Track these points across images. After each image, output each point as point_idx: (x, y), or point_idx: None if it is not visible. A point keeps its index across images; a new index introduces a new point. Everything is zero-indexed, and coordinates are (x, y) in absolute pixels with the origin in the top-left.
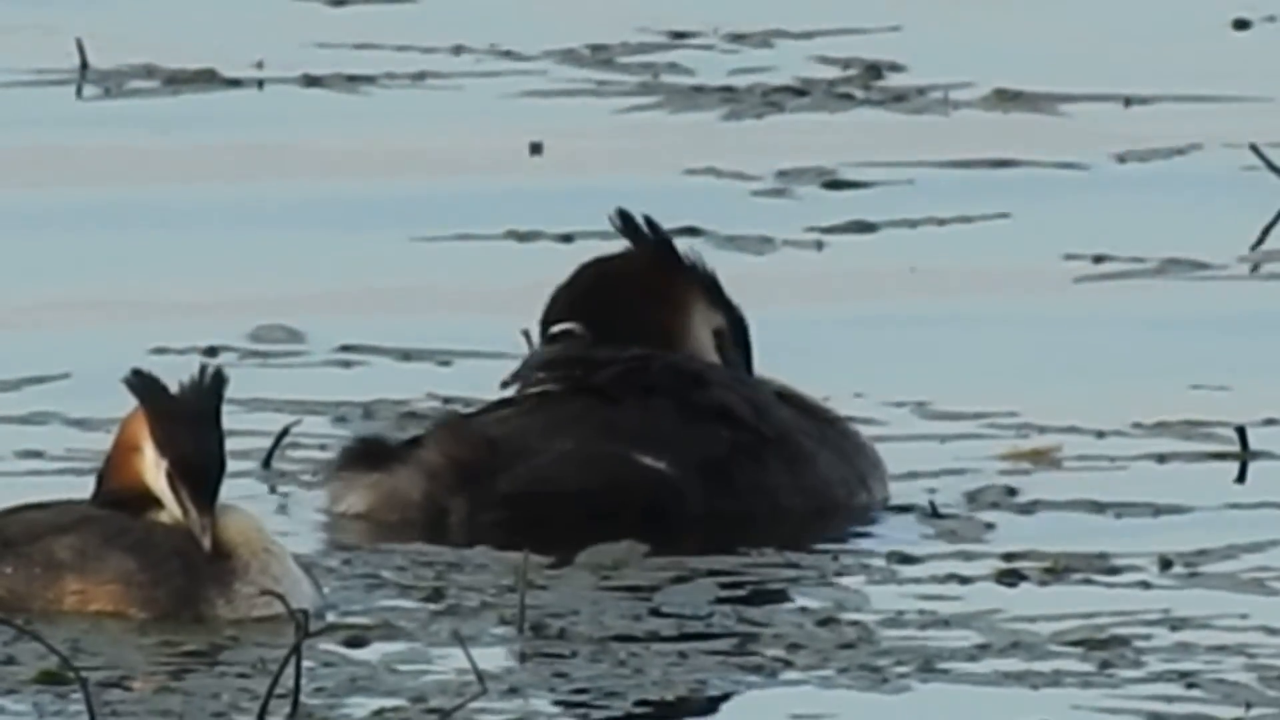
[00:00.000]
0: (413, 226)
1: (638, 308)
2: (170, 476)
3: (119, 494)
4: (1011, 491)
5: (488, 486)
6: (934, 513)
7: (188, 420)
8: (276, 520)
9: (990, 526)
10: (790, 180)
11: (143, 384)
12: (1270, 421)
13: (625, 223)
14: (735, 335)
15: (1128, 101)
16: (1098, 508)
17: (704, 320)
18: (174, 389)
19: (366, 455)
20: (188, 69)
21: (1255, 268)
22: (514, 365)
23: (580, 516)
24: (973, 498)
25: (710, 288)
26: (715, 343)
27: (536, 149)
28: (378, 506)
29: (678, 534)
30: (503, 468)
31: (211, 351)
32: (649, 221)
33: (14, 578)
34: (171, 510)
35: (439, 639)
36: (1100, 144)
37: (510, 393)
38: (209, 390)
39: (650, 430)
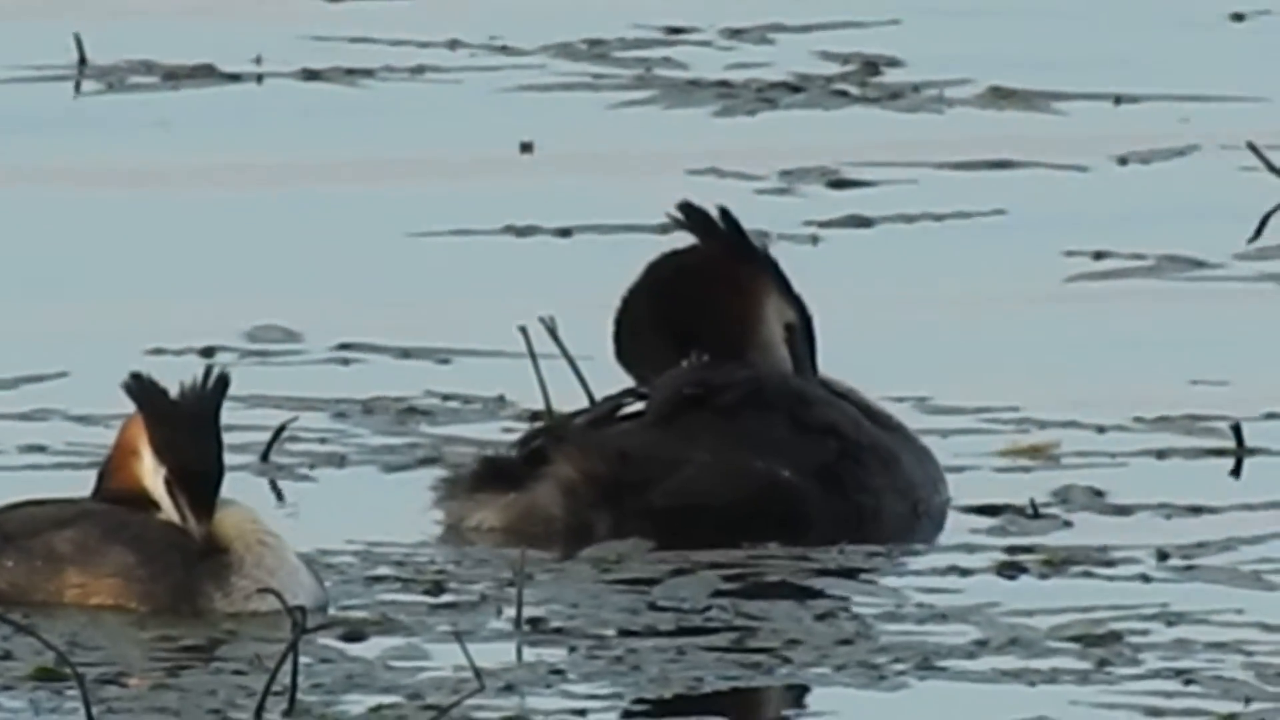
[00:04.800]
0: (411, 223)
1: (715, 298)
2: (169, 484)
3: (117, 495)
4: (1099, 493)
5: (633, 500)
6: (1034, 513)
7: (187, 427)
8: (275, 517)
9: (1069, 524)
10: (794, 179)
11: (141, 389)
12: (1269, 416)
13: (691, 217)
14: (804, 331)
15: (1118, 100)
16: (1098, 502)
17: (777, 313)
18: (174, 392)
19: (495, 475)
20: (186, 64)
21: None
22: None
23: (723, 525)
24: (1065, 498)
25: (782, 281)
26: (785, 336)
27: (527, 149)
28: (516, 522)
29: (804, 536)
30: (641, 481)
31: (208, 352)
32: (722, 212)
33: (15, 571)
34: (170, 516)
35: (437, 635)
36: (1097, 141)
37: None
38: (209, 395)
39: (772, 441)
